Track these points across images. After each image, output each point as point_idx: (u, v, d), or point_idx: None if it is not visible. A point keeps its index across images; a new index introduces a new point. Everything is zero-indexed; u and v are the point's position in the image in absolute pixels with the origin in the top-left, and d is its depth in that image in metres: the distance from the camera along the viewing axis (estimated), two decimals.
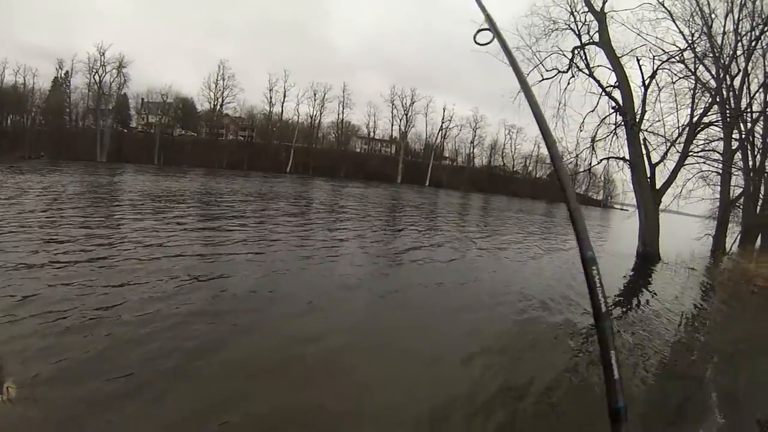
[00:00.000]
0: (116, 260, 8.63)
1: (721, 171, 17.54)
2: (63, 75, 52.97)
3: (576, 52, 17.11)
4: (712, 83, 16.58)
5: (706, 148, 17.39)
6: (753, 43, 15.96)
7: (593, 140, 17.25)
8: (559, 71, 17.53)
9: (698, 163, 17.35)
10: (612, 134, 17.06)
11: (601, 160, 17.70)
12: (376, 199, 33.23)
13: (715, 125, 16.89)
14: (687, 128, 16.52)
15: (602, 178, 60.10)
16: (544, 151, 59.13)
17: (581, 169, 19.47)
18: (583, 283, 1.18)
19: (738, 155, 17.58)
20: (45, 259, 8.17)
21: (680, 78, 16.66)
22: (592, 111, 17.26)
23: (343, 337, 5.98)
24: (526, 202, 52.80)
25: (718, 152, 17.28)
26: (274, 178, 47.31)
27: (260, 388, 4.61)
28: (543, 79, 17.72)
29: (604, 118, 17.15)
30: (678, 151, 16.81)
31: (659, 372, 6.22)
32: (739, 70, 16.78)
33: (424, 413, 4.45)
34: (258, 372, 4.93)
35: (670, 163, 17.00)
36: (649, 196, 16.70)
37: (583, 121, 17.34)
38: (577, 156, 18.20)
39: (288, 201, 25.17)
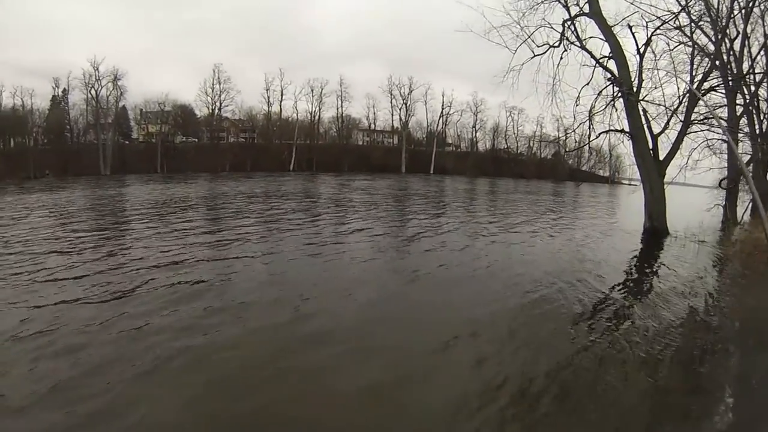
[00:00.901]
0: (128, 271, 8.77)
1: (726, 138, 16.85)
2: (61, 93, 53.28)
3: (566, 25, 16.45)
4: (711, 47, 15.78)
5: (710, 116, 16.68)
6: (750, 3, 15.12)
7: (590, 114, 16.58)
8: (551, 46, 16.92)
9: (702, 131, 16.71)
10: (610, 107, 16.40)
11: (600, 133, 17.00)
12: (385, 191, 33.07)
13: (717, 91, 16.16)
14: (687, 95, 15.84)
15: (608, 154, 59.75)
16: (546, 131, 58.49)
17: (580, 145, 18.89)
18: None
19: (744, 121, 16.84)
20: (59, 272, 8.48)
21: (677, 45, 15.98)
22: (587, 84, 16.64)
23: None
24: (533, 183, 52.08)
25: (723, 119, 16.55)
26: (280, 177, 47.21)
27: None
28: (535, 56, 17.17)
29: (601, 90, 16.52)
30: (680, 121, 16.17)
31: (673, 356, 5.85)
32: (738, 33, 15.97)
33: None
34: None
35: (674, 134, 16.35)
36: (652, 168, 16.08)
37: (578, 96, 16.67)
38: (573, 131, 17.60)
39: (300, 199, 25.24)
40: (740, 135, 16.71)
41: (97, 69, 51.83)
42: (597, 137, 17.32)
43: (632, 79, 15.86)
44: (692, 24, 15.32)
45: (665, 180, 16.62)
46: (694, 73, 15.99)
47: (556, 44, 16.80)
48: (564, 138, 22.19)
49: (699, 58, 16.09)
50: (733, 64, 15.94)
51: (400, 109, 67.48)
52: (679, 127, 16.14)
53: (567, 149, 32.30)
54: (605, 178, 65.55)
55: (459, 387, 4.79)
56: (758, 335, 6.91)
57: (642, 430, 4.34)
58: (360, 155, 64.74)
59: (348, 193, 29.78)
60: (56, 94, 53.14)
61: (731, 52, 15.87)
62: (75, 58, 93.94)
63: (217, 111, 59.88)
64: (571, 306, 7.60)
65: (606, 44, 16.14)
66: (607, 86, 16.42)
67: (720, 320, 7.60)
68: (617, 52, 15.89)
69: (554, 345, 6.00)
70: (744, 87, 16.15)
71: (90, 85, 52.06)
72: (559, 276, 9.48)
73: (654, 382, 5.10)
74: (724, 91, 16.15)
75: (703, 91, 15.73)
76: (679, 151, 16.43)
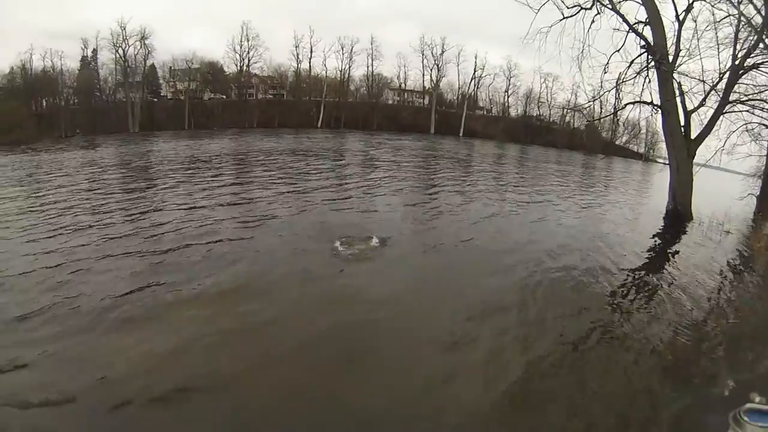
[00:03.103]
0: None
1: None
2: (90, 53, 53.67)
3: None
4: (758, 19, 14.09)
5: (754, 97, 15.10)
6: None
7: (618, 82, 15.45)
8: (582, 7, 15.56)
9: (741, 111, 15.21)
10: (643, 76, 15.16)
11: (627, 104, 15.91)
12: (421, 152, 33.60)
13: (762, 70, 14.53)
14: (728, 71, 14.36)
15: (643, 129, 57.04)
16: (581, 100, 55.78)
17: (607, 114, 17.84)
18: None
19: None
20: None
21: (726, 17, 14.33)
22: (618, 51, 15.36)
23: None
24: (564, 154, 50.23)
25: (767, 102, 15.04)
26: (312, 133, 48.87)
27: None
28: (564, 18, 15.87)
29: (634, 59, 15.22)
30: (718, 98, 14.78)
31: (670, 358, 5.60)
32: None
33: None
34: None
35: (712, 112, 14.98)
36: (681, 147, 14.92)
37: (607, 62, 15.56)
38: (597, 99, 16.51)
39: (340, 156, 26.88)
40: None
41: (124, 29, 51.82)
42: (623, 108, 16.47)
43: (668, 49, 14.52)
44: None
45: (698, 161, 15.45)
46: (738, 48, 14.39)
47: (588, 5, 15.47)
48: (588, 106, 21.02)
49: (746, 31, 14.40)
50: None
51: (431, 70, 65.11)
52: (716, 106, 14.79)
53: (591, 118, 30.91)
54: (639, 154, 62.31)
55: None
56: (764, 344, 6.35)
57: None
58: (389, 114, 63.52)
59: (386, 154, 30.26)
60: (85, 54, 53.69)
61: None
62: (103, 18, 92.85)
63: (245, 68, 59.32)
64: (578, 291, 7.56)
65: (642, 8, 14.77)
66: (640, 54, 15.18)
67: (727, 323, 7.07)
68: (654, 18, 14.52)
69: (561, 331, 6.01)
70: None
71: (118, 45, 52.30)
72: (574, 255, 9.58)
73: (647, 386, 4.92)
74: None
75: (745, 68, 14.25)
76: (715, 132, 15.15)
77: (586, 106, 20.03)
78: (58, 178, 16.90)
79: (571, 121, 62.18)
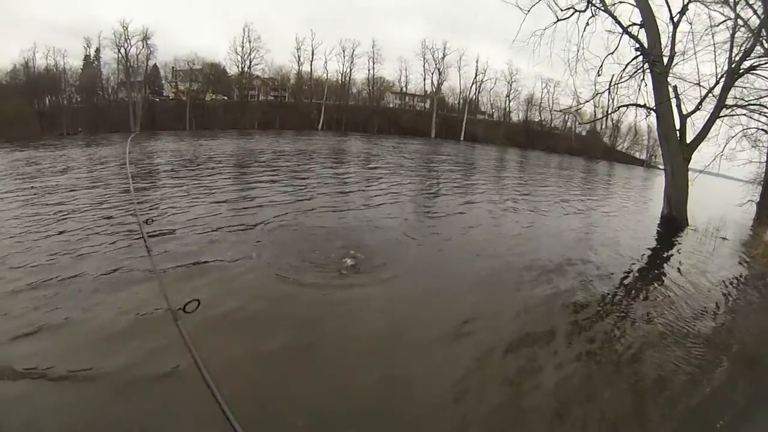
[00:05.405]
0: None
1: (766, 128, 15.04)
2: (93, 52, 53.98)
3: None
4: (755, 21, 13.73)
5: (752, 102, 14.74)
6: None
7: (610, 85, 15.13)
8: (576, 10, 15.32)
9: (739, 116, 14.88)
10: (637, 79, 14.86)
11: (620, 107, 15.55)
12: (434, 157, 33.82)
13: (759, 73, 14.20)
14: (725, 75, 14.03)
15: (645, 135, 56.92)
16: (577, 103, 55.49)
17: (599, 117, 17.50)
18: None
19: None
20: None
21: (724, 20, 14.02)
22: (612, 54, 15.09)
23: None
24: (565, 159, 49.82)
25: (766, 106, 14.68)
26: (313, 135, 48.44)
27: None
28: (558, 20, 15.65)
29: (629, 62, 14.95)
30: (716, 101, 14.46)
31: (654, 375, 5.21)
32: None
33: None
34: None
35: (708, 116, 14.67)
36: (677, 151, 14.64)
37: (601, 65, 15.21)
38: (589, 101, 16.23)
39: (349, 159, 26.84)
40: None
41: (127, 28, 51.92)
42: (616, 110, 15.97)
43: (662, 51, 14.23)
44: None
45: (697, 167, 15.22)
46: (734, 51, 14.06)
47: (582, 8, 15.23)
48: (580, 108, 20.66)
49: (742, 34, 14.09)
50: None
51: (432, 74, 65.20)
52: (713, 109, 14.47)
53: (583, 121, 30.57)
54: (641, 160, 62.00)
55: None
56: (753, 360, 6.03)
57: None
58: (390, 117, 63.47)
59: (393, 157, 30.15)
60: (88, 53, 54.15)
61: None
62: (106, 14, 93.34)
63: (246, 69, 59.54)
64: (565, 302, 7.09)
65: (636, 10, 14.56)
66: (635, 57, 14.89)
67: (717, 336, 6.65)
68: (648, 20, 14.27)
69: (543, 344, 5.66)
70: None
71: (120, 45, 52.38)
72: (560, 264, 9.00)
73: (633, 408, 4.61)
74: None
75: (742, 71, 13.90)
76: (714, 137, 14.90)
77: (578, 108, 19.64)
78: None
79: (573, 126, 61.85)
